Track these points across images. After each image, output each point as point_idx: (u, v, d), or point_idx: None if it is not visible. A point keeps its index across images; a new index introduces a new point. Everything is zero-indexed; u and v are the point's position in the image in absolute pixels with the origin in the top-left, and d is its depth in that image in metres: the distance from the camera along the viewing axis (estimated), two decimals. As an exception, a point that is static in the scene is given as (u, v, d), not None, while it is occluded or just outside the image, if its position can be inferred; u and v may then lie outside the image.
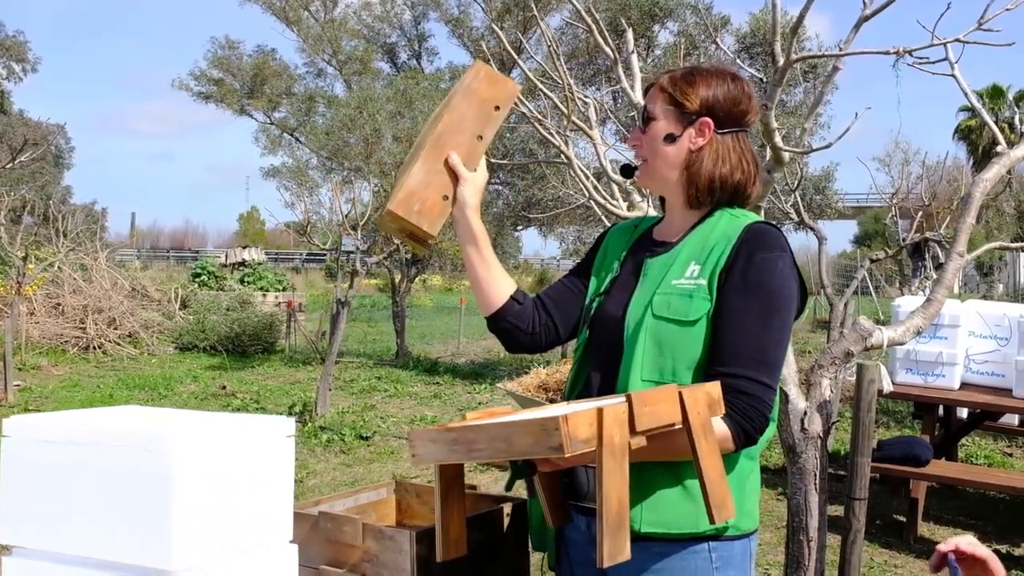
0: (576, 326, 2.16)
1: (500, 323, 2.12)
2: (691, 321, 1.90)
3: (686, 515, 1.87)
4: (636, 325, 1.95)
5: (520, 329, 2.12)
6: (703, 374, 1.89)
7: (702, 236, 2.01)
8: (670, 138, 2.02)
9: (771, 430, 1.98)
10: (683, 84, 2.03)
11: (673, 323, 1.91)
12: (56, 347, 14.53)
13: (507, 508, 2.21)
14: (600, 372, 2.02)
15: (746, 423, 1.84)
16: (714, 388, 1.74)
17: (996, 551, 5.53)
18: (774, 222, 2.59)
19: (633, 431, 1.59)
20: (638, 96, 3.82)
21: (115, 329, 15.23)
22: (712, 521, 1.72)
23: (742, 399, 1.84)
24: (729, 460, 1.90)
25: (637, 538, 1.84)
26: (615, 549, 1.57)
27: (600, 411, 1.55)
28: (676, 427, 1.67)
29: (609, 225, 2.38)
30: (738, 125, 2.05)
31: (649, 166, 2.06)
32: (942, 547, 1.64)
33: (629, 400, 1.60)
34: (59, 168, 37.80)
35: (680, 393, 1.67)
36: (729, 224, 2.00)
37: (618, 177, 4.08)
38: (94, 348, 14.59)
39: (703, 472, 1.69)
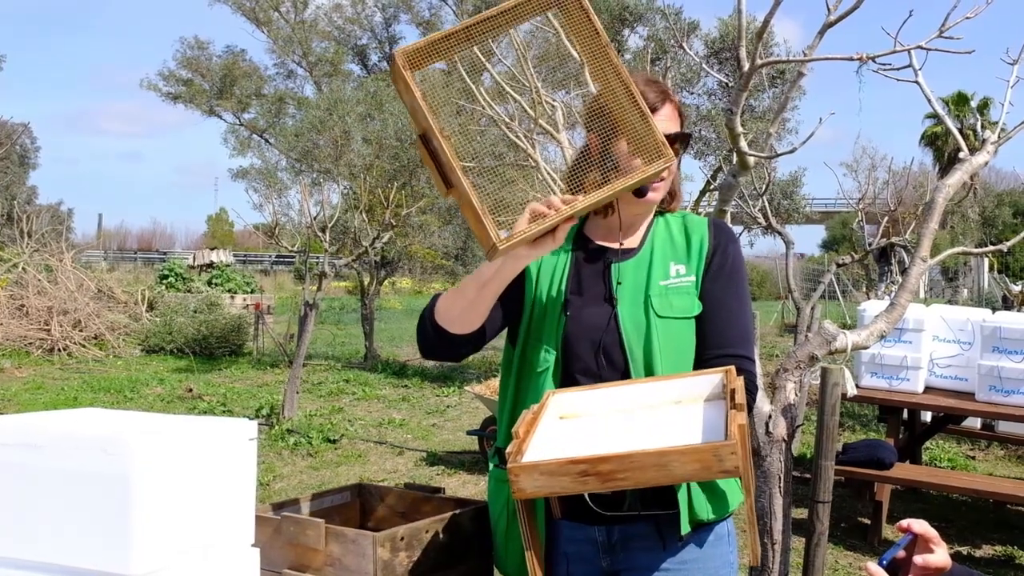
0: (493, 334, 2.10)
1: (465, 345, 2.05)
2: (693, 316, 2.05)
3: (722, 499, 2.04)
4: (643, 330, 2.03)
5: (468, 351, 2.09)
6: (697, 358, 2.06)
7: (663, 238, 2.13)
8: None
9: None
10: (678, 102, 2.13)
11: (681, 320, 2.04)
12: (20, 349, 14.36)
13: (471, 512, 2.21)
14: (592, 382, 2.02)
15: (748, 397, 1.94)
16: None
17: (958, 552, 5.60)
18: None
19: None
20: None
21: (80, 331, 15.07)
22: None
23: (743, 376, 1.94)
24: None
25: (697, 528, 2.00)
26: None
27: (743, 427, 1.63)
28: None
29: None
30: None
31: (668, 183, 2.12)
32: (903, 523, 1.72)
33: (736, 405, 1.71)
34: (24, 168, 37.38)
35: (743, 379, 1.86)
36: (684, 223, 2.16)
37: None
38: (59, 350, 14.43)
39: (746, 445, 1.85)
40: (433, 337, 2.04)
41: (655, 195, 2.08)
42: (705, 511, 1.99)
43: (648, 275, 2.06)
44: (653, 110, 2.01)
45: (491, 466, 2.18)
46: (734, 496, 2.07)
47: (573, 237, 2.17)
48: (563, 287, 2.09)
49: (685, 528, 1.97)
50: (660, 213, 2.18)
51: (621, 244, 2.13)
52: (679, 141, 2.10)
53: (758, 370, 3.36)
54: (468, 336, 2.03)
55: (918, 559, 1.69)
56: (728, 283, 2.08)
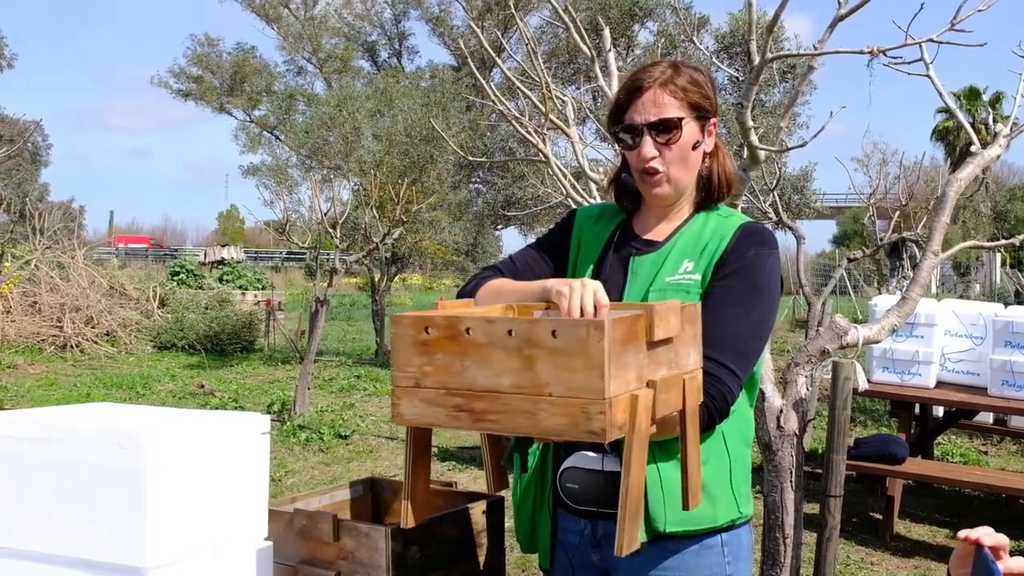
0: None
1: None
2: None
3: (705, 512, 1.89)
4: None
5: None
6: None
7: (692, 234, 2.01)
8: (696, 145, 1.98)
9: (749, 421, 2.02)
10: (693, 86, 1.98)
11: None
12: (33, 346, 14.41)
13: (483, 505, 2.21)
14: None
15: (709, 402, 1.82)
16: (699, 374, 1.74)
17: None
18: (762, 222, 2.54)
19: (651, 418, 1.56)
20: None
21: (93, 328, 15.12)
22: (686, 507, 1.74)
23: (707, 379, 1.80)
24: (732, 448, 1.95)
25: (658, 538, 1.89)
26: (633, 538, 1.55)
27: (635, 397, 1.50)
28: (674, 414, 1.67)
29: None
30: None
31: (673, 177, 1.98)
32: (971, 535, 1.56)
33: (653, 386, 1.56)
34: (36, 165, 37.54)
35: (683, 381, 1.67)
36: (721, 223, 2.01)
37: (595, 176, 4.09)
38: (71, 347, 14.48)
39: (687, 458, 1.70)
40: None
41: (659, 190, 1.99)
42: (664, 522, 1.88)
43: (659, 270, 1.97)
44: (632, 100, 1.97)
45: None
46: (722, 510, 1.94)
47: (616, 230, 2.11)
48: (587, 274, 2.06)
49: (640, 537, 1.84)
50: (707, 208, 2.06)
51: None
52: (659, 129, 1.95)
53: (769, 391, 3.33)
54: None
55: (999, 566, 1.60)
56: (733, 284, 1.91)
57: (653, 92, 1.96)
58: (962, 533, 1.56)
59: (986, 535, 1.55)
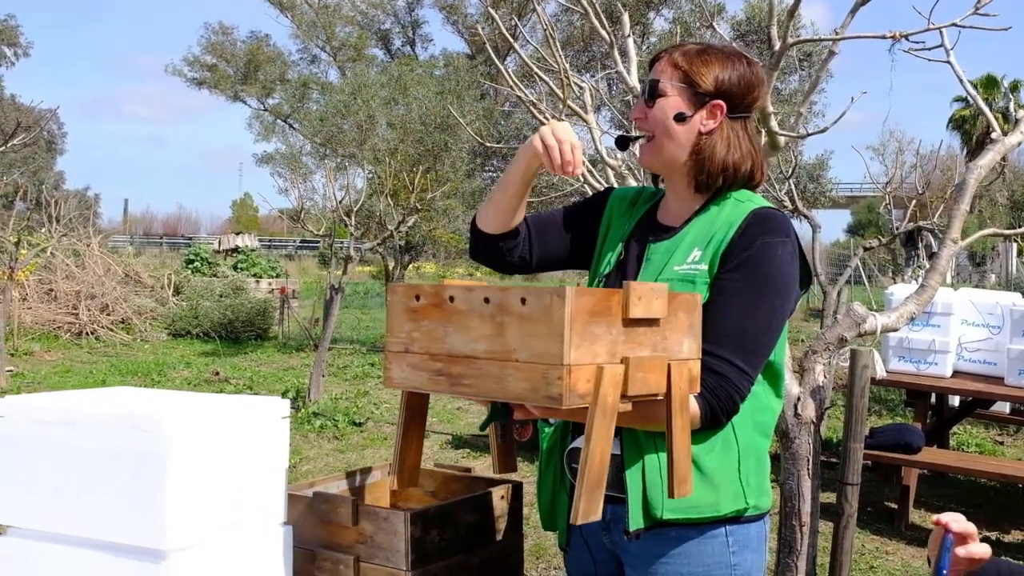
0: (547, 263, 2.14)
1: (494, 244, 2.08)
2: None
3: (705, 500, 1.85)
4: None
5: (503, 257, 2.10)
6: None
7: (707, 222, 1.95)
8: (680, 117, 1.93)
9: (770, 411, 1.98)
10: (698, 62, 1.94)
11: None
12: (49, 333, 14.49)
13: (501, 491, 2.22)
14: None
15: (714, 401, 1.79)
16: (695, 366, 1.73)
17: (986, 538, 5.56)
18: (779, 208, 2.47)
19: (624, 395, 1.57)
20: (634, 80, 3.81)
21: (108, 315, 15.18)
22: (671, 495, 1.72)
23: (712, 378, 1.79)
24: (743, 437, 1.90)
25: (656, 524, 1.86)
26: (590, 508, 1.57)
27: (600, 369, 1.52)
28: (658, 398, 1.66)
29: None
30: (748, 111, 1.98)
31: (655, 143, 1.96)
32: (941, 519, 1.66)
33: (626, 363, 1.57)
34: (51, 153, 37.78)
35: (669, 365, 1.65)
36: (734, 209, 1.94)
37: (612, 162, 4.08)
38: (87, 334, 14.55)
39: (673, 446, 1.68)
40: (471, 236, 2.11)
41: (642, 156, 2.01)
42: (662, 508, 1.84)
43: (670, 258, 1.93)
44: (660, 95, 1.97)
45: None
46: (726, 500, 1.89)
47: (642, 216, 2.09)
48: (612, 259, 2.04)
49: (636, 522, 1.85)
50: (723, 193, 1.98)
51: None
52: (645, 92, 1.98)
53: (787, 379, 3.31)
54: (497, 236, 2.07)
55: (960, 551, 1.62)
56: (741, 278, 1.84)
57: (659, 62, 1.99)
58: (935, 517, 1.68)
59: (954, 521, 1.64)
